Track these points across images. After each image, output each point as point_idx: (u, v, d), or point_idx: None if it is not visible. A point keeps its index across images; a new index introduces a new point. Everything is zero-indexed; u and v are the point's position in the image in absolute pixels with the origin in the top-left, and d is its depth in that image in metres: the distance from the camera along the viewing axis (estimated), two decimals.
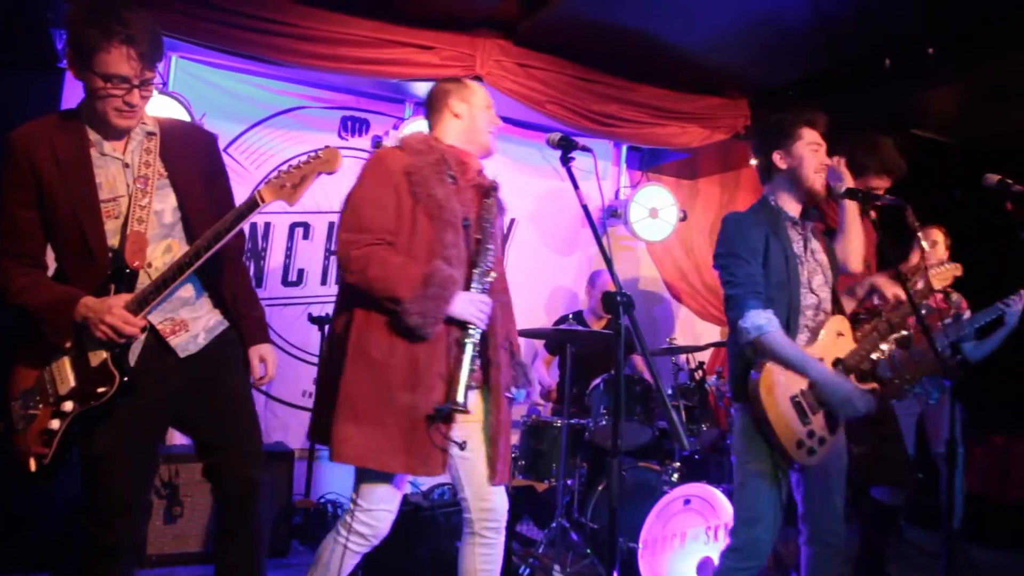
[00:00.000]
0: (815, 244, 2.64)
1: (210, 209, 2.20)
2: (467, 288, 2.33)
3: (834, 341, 2.56)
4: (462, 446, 2.29)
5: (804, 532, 2.61)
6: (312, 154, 2.12)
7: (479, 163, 2.55)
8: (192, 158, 2.25)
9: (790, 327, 2.51)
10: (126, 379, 2.02)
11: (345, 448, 2.20)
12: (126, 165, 2.11)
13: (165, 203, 2.15)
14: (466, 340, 2.29)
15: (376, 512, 2.31)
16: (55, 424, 2.01)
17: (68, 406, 2.03)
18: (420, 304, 2.19)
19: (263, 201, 2.07)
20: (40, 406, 2.05)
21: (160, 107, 3.68)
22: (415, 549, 3.31)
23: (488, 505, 2.39)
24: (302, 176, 2.09)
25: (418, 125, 4.58)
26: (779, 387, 2.43)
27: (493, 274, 2.41)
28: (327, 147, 2.13)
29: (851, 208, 2.75)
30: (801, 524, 2.62)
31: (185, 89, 4.10)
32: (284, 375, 4.46)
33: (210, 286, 2.26)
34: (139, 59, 1.98)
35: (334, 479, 4.47)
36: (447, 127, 2.51)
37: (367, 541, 2.33)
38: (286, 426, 4.43)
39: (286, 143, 4.53)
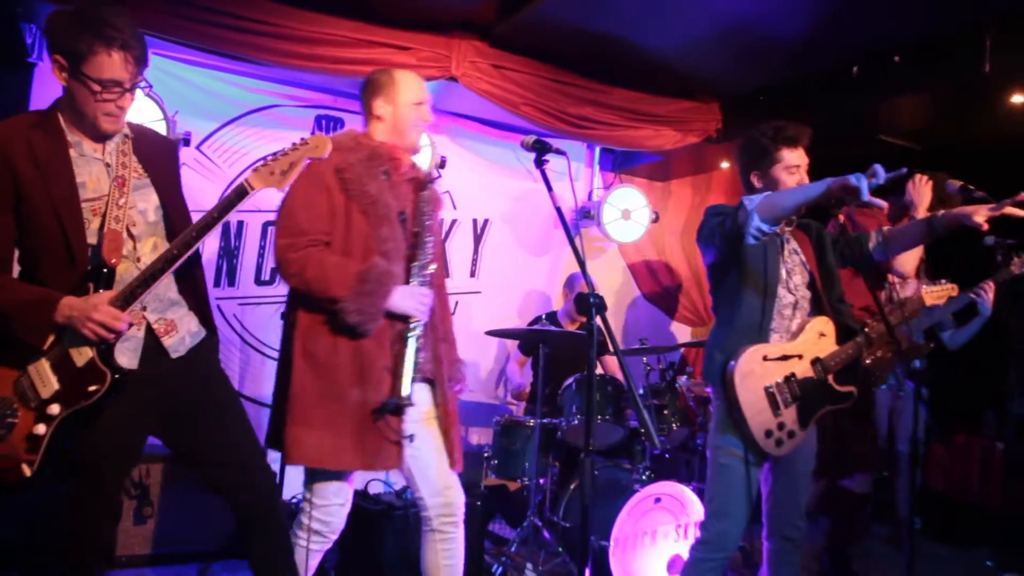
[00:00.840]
0: (795, 245, 2.69)
1: (183, 210, 2.22)
2: (407, 281, 2.34)
3: (816, 340, 2.62)
4: (411, 438, 2.31)
5: (765, 526, 2.68)
6: (300, 140, 2.12)
7: (411, 158, 2.55)
8: (162, 161, 2.27)
9: (763, 324, 2.55)
10: (117, 376, 1.98)
11: (298, 451, 2.26)
12: (107, 165, 2.10)
13: (148, 202, 2.15)
14: (408, 334, 2.31)
15: (329, 507, 2.35)
16: (41, 429, 1.95)
17: (54, 409, 1.96)
18: (357, 301, 2.21)
19: (252, 188, 2.06)
20: (20, 412, 1.97)
21: (134, 104, 3.63)
22: (387, 548, 3.31)
23: (444, 500, 2.41)
24: (291, 162, 2.07)
25: None
26: (755, 375, 2.49)
27: (433, 267, 2.42)
28: (315, 133, 2.13)
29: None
30: (763, 519, 2.68)
31: (158, 86, 4.01)
32: (256, 374, 4.43)
33: (184, 287, 2.24)
34: (135, 63, 2.00)
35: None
36: (373, 127, 2.54)
37: (324, 537, 2.37)
38: (258, 425, 4.35)
39: (259, 141, 4.49)
